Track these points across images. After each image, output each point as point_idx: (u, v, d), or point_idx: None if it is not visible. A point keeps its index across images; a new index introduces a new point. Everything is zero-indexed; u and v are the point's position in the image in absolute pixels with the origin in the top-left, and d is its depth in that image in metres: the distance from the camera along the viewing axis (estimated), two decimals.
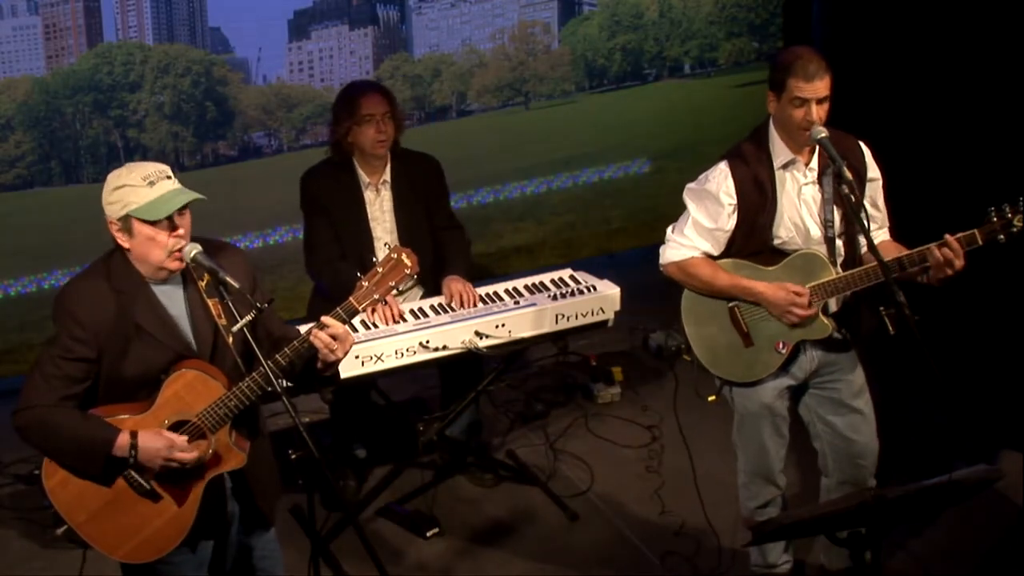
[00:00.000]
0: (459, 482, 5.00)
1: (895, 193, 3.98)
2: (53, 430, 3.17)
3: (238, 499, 3.45)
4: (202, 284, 3.25)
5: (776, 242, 3.83)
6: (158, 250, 3.14)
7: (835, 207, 3.79)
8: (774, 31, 6.74)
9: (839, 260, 3.82)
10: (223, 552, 3.47)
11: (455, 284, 4.59)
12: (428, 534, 4.65)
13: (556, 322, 4.56)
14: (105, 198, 3.16)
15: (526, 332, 4.52)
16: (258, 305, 3.16)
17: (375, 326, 4.42)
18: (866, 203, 3.83)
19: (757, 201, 3.79)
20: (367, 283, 3.24)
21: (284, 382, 3.25)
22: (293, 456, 3.20)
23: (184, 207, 3.15)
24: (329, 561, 4.38)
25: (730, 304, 3.89)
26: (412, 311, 4.52)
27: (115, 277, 3.20)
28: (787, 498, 4.17)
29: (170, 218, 3.12)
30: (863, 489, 3.92)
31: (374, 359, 4.32)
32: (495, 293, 4.64)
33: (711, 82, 6.74)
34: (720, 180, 3.80)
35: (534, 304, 4.55)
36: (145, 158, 5.34)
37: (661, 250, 3.93)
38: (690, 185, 3.90)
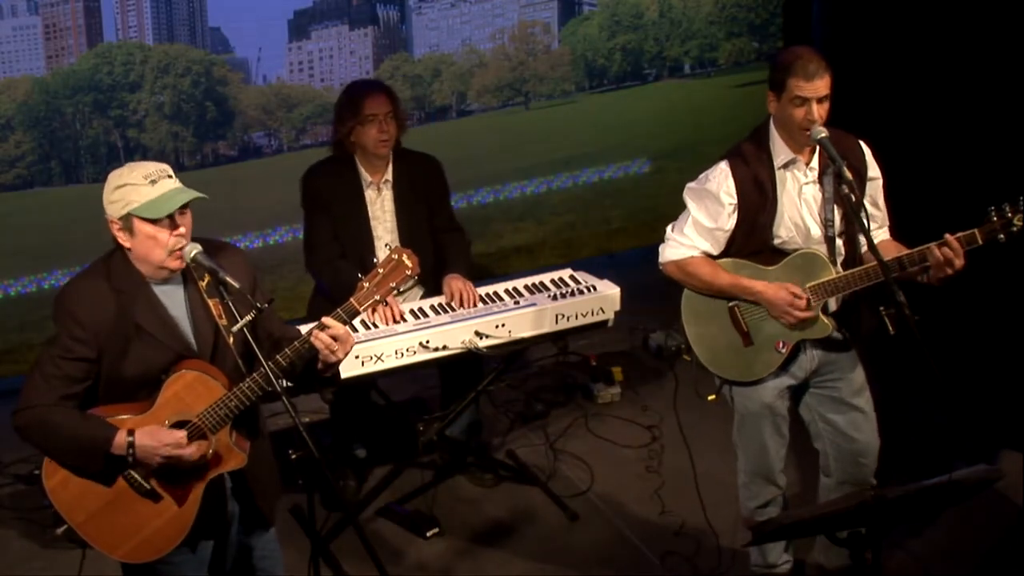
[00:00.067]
0: (459, 482, 5.00)
1: (895, 192, 3.98)
2: (53, 430, 3.17)
3: (238, 499, 3.44)
4: (203, 284, 3.25)
5: (776, 241, 3.83)
6: (159, 249, 3.14)
7: (835, 206, 3.79)
8: (774, 31, 6.74)
9: (839, 259, 3.82)
10: (223, 552, 3.47)
11: (456, 282, 4.59)
12: (428, 534, 4.65)
13: (556, 322, 4.56)
14: (106, 197, 3.15)
15: (526, 332, 4.52)
16: (258, 305, 3.15)
17: (375, 326, 4.42)
18: (866, 202, 3.83)
19: (757, 201, 3.79)
20: (368, 284, 3.24)
21: (284, 382, 3.25)
22: (293, 456, 3.20)
23: (185, 206, 3.15)
24: (329, 561, 4.38)
25: (730, 303, 3.89)
26: (412, 311, 4.52)
27: (115, 277, 3.20)
28: (787, 498, 4.17)
29: (171, 217, 3.12)
30: (863, 489, 3.92)
31: (374, 359, 4.32)
32: (495, 293, 4.64)
33: (711, 82, 6.75)
34: (720, 180, 3.80)
35: (534, 304, 4.56)
36: (145, 158, 5.32)
37: (661, 249, 3.93)
38: (690, 184, 3.90)
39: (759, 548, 4.17)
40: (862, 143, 3.88)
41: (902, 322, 3.52)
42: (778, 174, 3.80)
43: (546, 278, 4.74)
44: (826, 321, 3.83)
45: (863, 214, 3.73)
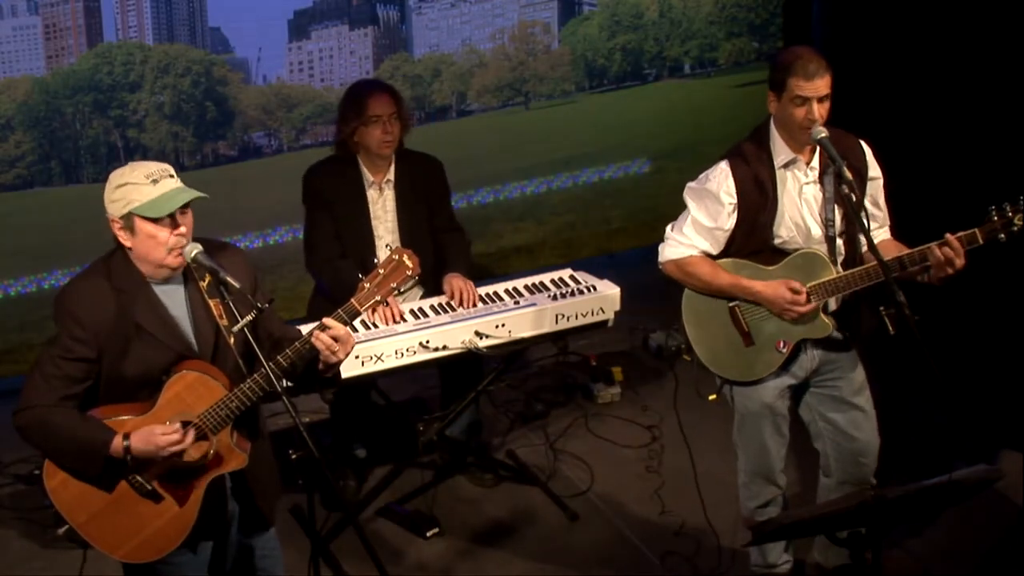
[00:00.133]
0: (459, 482, 4.99)
1: (896, 192, 3.99)
2: (53, 431, 3.17)
3: (238, 499, 3.45)
4: (203, 284, 3.25)
5: (776, 241, 3.83)
6: (159, 248, 3.14)
7: (836, 206, 3.79)
8: (774, 31, 6.74)
9: (840, 259, 3.82)
10: (223, 552, 3.47)
11: (456, 281, 4.59)
12: (428, 534, 4.65)
13: (556, 322, 4.56)
14: (107, 196, 3.16)
15: (526, 332, 4.52)
16: (259, 305, 3.15)
17: (375, 326, 4.42)
18: (867, 202, 3.83)
19: (757, 200, 3.79)
20: (368, 284, 3.24)
21: (285, 382, 3.25)
22: (293, 456, 3.20)
23: (186, 206, 3.15)
24: (329, 561, 4.38)
25: (730, 303, 3.89)
26: (412, 311, 4.52)
27: (116, 276, 3.20)
28: (787, 498, 4.17)
29: (172, 216, 3.12)
30: (863, 489, 3.92)
31: (374, 359, 4.32)
32: (495, 293, 4.64)
33: (711, 82, 6.75)
34: (721, 179, 3.80)
35: (534, 304, 4.55)
36: (145, 158, 5.31)
37: (660, 248, 3.93)
38: (690, 184, 3.90)
39: (759, 548, 4.17)
40: (863, 143, 3.88)
41: (902, 322, 3.52)
42: (778, 174, 3.80)
43: (546, 278, 4.74)
44: (826, 320, 3.83)
45: (863, 214, 3.73)
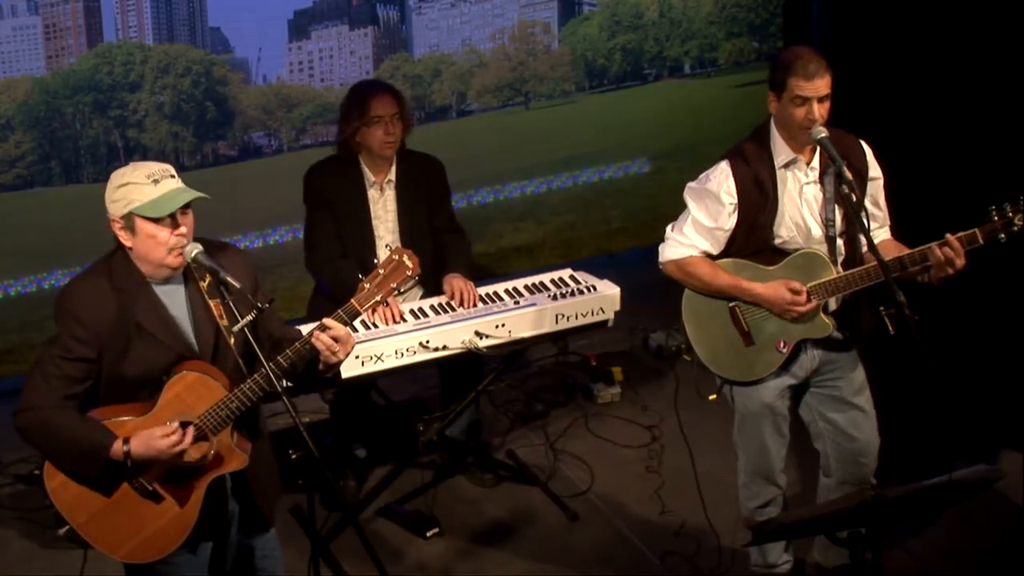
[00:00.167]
0: (459, 482, 4.99)
1: (896, 192, 3.99)
2: (53, 432, 3.17)
3: (238, 499, 3.45)
4: (203, 285, 3.25)
5: (777, 241, 3.83)
6: (160, 248, 3.14)
7: (836, 206, 3.79)
8: (774, 31, 6.74)
9: (840, 259, 3.82)
10: (223, 552, 3.47)
11: (456, 281, 4.59)
12: (428, 534, 4.65)
13: (556, 322, 4.56)
14: (108, 196, 3.16)
15: (526, 332, 4.52)
16: (259, 305, 3.15)
17: (375, 326, 4.42)
18: (867, 202, 3.84)
19: (758, 200, 3.79)
20: (368, 285, 3.25)
21: (285, 382, 3.25)
22: (293, 456, 3.20)
23: (187, 206, 3.15)
24: (329, 561, 4.38)
25: (731, 303, 3.89)
26: (412, 311, 4.52)
27: (116, 276, 3.20)
28: (787, 498, 4.17)
29: (173, 216, 3.12)
30: (863, 489, 3.92)
31: (374, 359, 4.32)
32: (495, 293, 4.64)
33: (711, 82, 6.75)
34: (721, 179, 3.80)
35: (534, 304, 4.55)
36: (145, 158, 5.32)
37: (660, 248, 3.93)
38: (691, 184, 3.90)
39: (759, 548, 4.17)
40: (863, 143, 3.88)
41: (902, 322, 3.53)
42: (779, 174, 3.80)
43: (546, 278, 4.74)
44: (827, 320, 3.83)
45: (863, 214, 3.73)
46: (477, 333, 4.43)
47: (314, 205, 4.71)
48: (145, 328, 3.19)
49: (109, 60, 5.48)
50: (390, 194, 4.70)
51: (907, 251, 3.72)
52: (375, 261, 3.29)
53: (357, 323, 4.31)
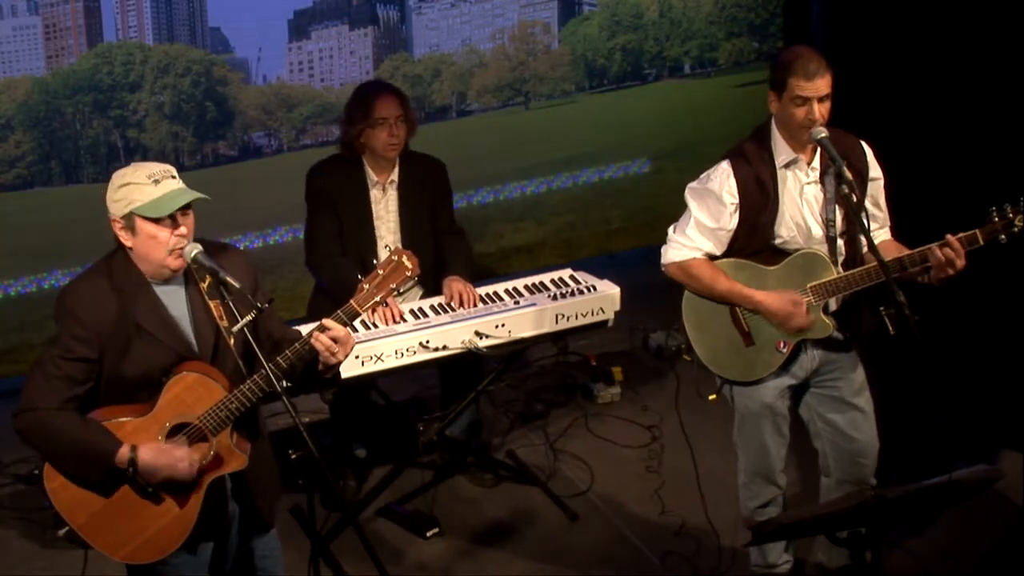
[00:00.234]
0: (459, 482, 4.99)
1: (896, 193, 3.98)
2: (54, 435, 3.17)
3: (238, 499, 3.44)
4: (204, 285, 3.25)
5: (777, 241, 3.83)
6: (160, 248, 3.14)
7: (837, 206, 3.79)
8: (774, 31, 6.74)
9: (840, 259, 3.82)
10: (223, 553, 3.47)
11: (456, 283, 4.59)
12: (428, 534, 4.65)
13: (556, 322, 4.56)
14: (109, 196, 3.16)
15: (526, 332, 4.52)
16: (259, 305, 3.15)
17: (375, 326, 4.42)
18: (868, 203, 3.83)
19: (759, 200, 3.79)
20: (368, 285, 3.25)
21: (284, 383, 3.25)
22: (293, 456, 3.20)
23: (187, 207, 3.15)
24: (329, 561, 4.38)
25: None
26: (412, 311, 4.52)
27: (117, 277, 3.20)
28: (787, 498, 4.17)
29: (173, 217, 3.12)
30: (863, 489, 3.92)
31: (374, 359, 4.32)
32: (495, 293, 4.64)
33: (711, 82, 6.74)
34: (722, 179, 3.80)
35: (534, 304, 4.55)
36: (145, 158, 5.34)
37: (663, 250, 3.93)
38: (692, 184, 3.90)
39: (759, 548, 4.17)
40: (863, 143, 3.88)
41: (902, 322, 3.53)
42: (779, 174, 3.80)
43: (546, 278, 4.74)
44: (827, 321, 3.83)
45: (863, 214, 3.73)
46: (477, 333, 4.43)
47: (316, 204, 4.71)
48: (145, 328, 3.19)
49: (109, 60, 5.48)
50: (392, 195, 4.70)
51: (907, 252, 3.72)
52: (375, 261, 3.29)
53: (357, 323, 4.30)
